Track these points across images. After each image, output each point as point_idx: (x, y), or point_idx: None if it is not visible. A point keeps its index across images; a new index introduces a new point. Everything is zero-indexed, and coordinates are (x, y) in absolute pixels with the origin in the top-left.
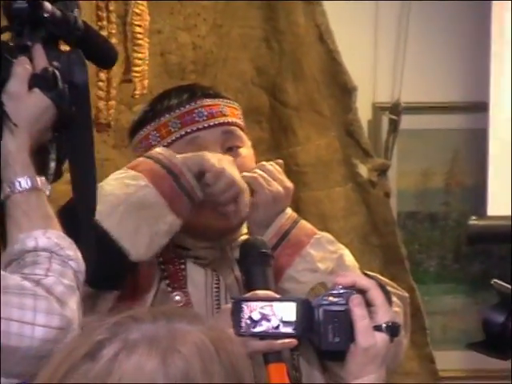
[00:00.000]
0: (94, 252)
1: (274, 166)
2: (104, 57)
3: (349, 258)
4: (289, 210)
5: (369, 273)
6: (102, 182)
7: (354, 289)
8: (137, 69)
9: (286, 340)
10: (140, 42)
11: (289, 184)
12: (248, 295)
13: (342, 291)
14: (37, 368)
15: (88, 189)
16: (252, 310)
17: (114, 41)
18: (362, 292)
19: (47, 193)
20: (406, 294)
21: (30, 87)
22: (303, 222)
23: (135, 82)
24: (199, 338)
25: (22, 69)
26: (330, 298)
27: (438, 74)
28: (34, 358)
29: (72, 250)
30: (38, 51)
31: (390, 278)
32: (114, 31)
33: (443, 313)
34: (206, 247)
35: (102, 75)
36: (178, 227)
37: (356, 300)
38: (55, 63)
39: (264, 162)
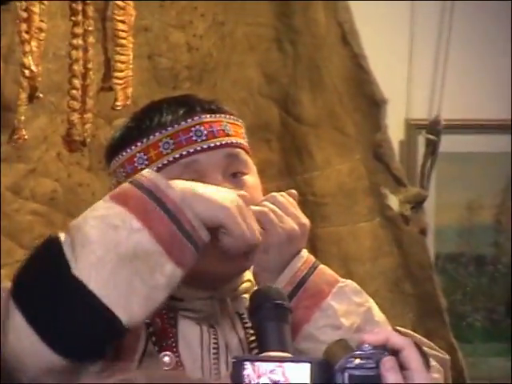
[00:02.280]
0: (75, 319)
1: (287, 198)
2: None
3: (378, 312)
4: (305, 253)
5: (401, 329)
6: (79, 218)
7: (385, 349)
8: (119, 74)
9: None
10: (123, 41)
11: (305, 220)
12: (253, 355)
13: (370, 351)
14: None
15: None
16: (259, 374)
17: (91, 40)
18: (395, 353)
19: None
20: (448, 357)
21: None
22: (323, 268)
23: (117, 90)
24: None
25: None
26: (357, 361)
27: (485, 87)
28: None
29: None
30: None
31: (426, 334)
32: (90, 28)
33: (492, 379)
34: (202, 298)
35: (76, 82)
36: (178, 279)
37: (389, 363)
38: None
39: (274, 193)
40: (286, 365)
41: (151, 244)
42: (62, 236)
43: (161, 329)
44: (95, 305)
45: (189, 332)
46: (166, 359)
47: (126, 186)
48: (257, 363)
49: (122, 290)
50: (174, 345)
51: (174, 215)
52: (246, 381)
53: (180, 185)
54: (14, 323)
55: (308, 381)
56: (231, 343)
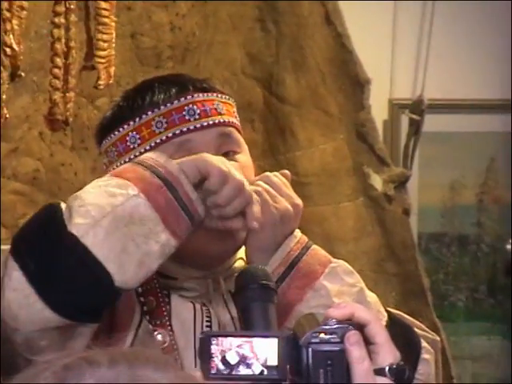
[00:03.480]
0: (69, 274)
1: (281, 178)
2: None
3: (370, 292)
4: (298, 233)
5: (391, 310)
6: (79, 191)
7: (351, 323)
8: (101, 53)
9: None
10: (105, 20)
11: (298, 201)
12: (220, 331)
13: (335, 326)
14: None
15: None
16: (226, 349)
17: (73, 18)
18: (361, 327)
19: None
20: (438, 338)
21: None
22: (316, 248)
23: (99, 69)
24: None
25: None
26: (322, 335)
27: (469, 66)
28: None
29: None
30: None
31: (409, 313)
32: (73, 6)
33: (474, 358)
34: (195, 277)
35: (58, 60)
36: (172, 249)
37: (353, 337)
38: None
39: (268, 173)
40: (254, 340)
41: (148, 210)
42: (62, 203)
43: (155, 307)
44: (88, 259)
45: (182, 310)
46: (159, 337)
47: (125, 164)
48: (226, 338)
49: (117, 251)
50: (167, 323)
51: (172, 186)
52: (214, 356)
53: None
54: (12, 279)
55: (276, 356)
56: (224, 321)
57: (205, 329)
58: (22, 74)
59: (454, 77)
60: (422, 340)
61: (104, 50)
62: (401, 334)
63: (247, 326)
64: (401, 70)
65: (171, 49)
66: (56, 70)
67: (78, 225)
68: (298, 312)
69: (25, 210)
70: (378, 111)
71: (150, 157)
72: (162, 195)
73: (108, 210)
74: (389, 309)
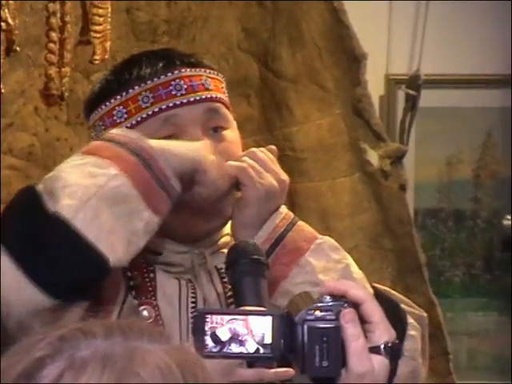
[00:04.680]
0: (60, 256)
1: (267, 154)
2: None
3: (356, 269)
4: (284, 209)
5: (378, 286)
6: (53, 171)
7: (346, 301)
8: (97, 28)
9: (281, 369)
10: None
11: (284, 177)
12: (215, 308)
13: (331, 303)
14: None
15: None
16: (218, 325)
17: None
18: (356, 305)
19: None
20: (425, 314)
21: None
22: (301, 224)
23: (95, 44)
24: (162, 360)
25: None
26: (317, 313)
27: (466, 41)
28: None
29: None
30: None
31: (405, 289)
32: None
33: (470, 334)
34: (180, 252)
35: (54, 35)
36: (155, 226)
37: (348, 315)
38: None
39: (254, 149)
40: (249, 318)
41: (130, 189)
42: (38, 186)
43: (141, 283)
44: (80, 241)
45: (167, 285)
46: (145, 313)
47: (96, 142)
48: (219, 316)
49: (105, 231)
50: (153, 298)
51: (148, 164)
52: (208, 333)
53: (149, 139)
54: (0, 265)
55: (270, 333)
56: (209, 297)
57: (190, 304)
58: (17, 48)
59: (450, 52)
60: (408, 316)
61: (99, 24)
62: (387, 310)
63: (238, 301)
64: (397, 44)
65: (167, 23)
66: (51, 45)
67: (66, 206)
68: (283, 288)
69: (20, 185)
70: (375, 86)
71: (121, 134)
72: (140, 173)
73: (93, 191)
74: (376, 285)
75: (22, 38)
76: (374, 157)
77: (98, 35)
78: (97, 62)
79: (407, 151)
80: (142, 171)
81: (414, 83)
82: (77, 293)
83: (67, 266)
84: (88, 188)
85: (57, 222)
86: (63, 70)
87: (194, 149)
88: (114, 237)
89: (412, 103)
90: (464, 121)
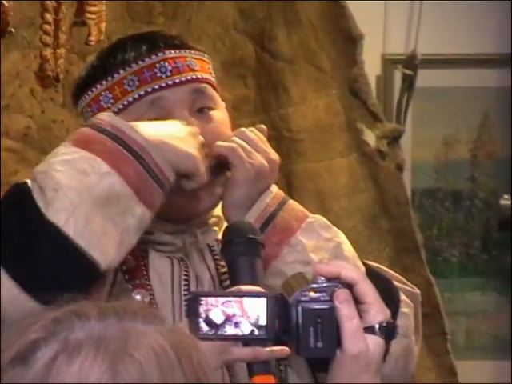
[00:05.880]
0: (52, 264)
1: (256, 134)
2: None
3: (348, 247)
4: (274, 188)
5: (371, 263)
6: (43, 164)
7: (340, 282)
8: (92, 9)
9: (277, 348)
10: None
11: (274, 156)
12: (209, 291)
13: (325, 284)
14: None
15: None
16: (212, 307)
17: None
18: (350, 285)
19: None
20: (418, 291)
21: None
22: (292, 203)
23: (90, 25)
24: (157, 342)
25: None
26: (311, 294)
27: (462, 21)
28: None
29: None
30: None
31: (403, 269)
32: None
33: (468, 314)
34: (172, 231)
35: (49, 16)
36: (148, 221)
37: (342, 296)
38: None
39: (243, 129)
40: (244, 300)
41: (122, 187)
42: (29, 182)
43: (134, 266)
44: (71, 248)
45: (160, 265)
46: (138, 297)
47: (85, 130)
48: (213, 298)
49: (97, 235)
50: (146, 281)
51: (140, 157)
52: (202, 316)
53: (141, 126)
54: None
55: (264, 315)
56: (202, 275)
57: (183, 282)
58: (12, 30)
59: (447, 31)
60: (400, 293)
61: (95, 5)
62: (379, 287)
63: (234, 280)
64: (394, 24)
65: (162, 4)
66: (46, 26)
67: (57, 213)
68: (275, 268)
69: (16, 167)
70: (371, 66)
71: (111, 123)
72: (132, 168)
73: (84, 194)
74: (368, 262)
75: (16, 20)
76: (370, 137)
77: (94, 16)
78: (92, 43)
79: (404, 131)
80: (134, 165)
81: (411, 63)
82: None
83: (59, 275)
84: (79, 191)
85: (48, 229)
86: (58, 51)
87: (189, 142)
88: (106, 239)
89: (409, 83)
90: (461, 101)
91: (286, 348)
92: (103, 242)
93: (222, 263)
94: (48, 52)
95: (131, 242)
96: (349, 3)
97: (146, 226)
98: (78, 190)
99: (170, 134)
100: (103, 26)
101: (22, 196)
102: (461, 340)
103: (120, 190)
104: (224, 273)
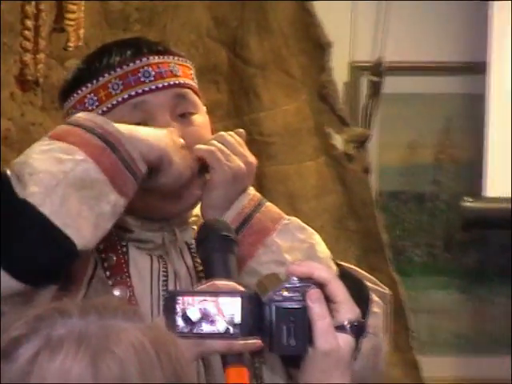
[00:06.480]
0: (29, 242)
1: (235, 138)
2: None
3: (321, 248)
4: (251, 190)
5: (344, 264)
6: (21, 156)
7: (313, 282)
8: (71, 16)
9: (249, 341)
10: None
11: (252, 159)
12: (185, 289)
13: (298, 284)
14: None
15: None
16: (188, 305)
17: None
18: (322, 285)
19: None
20: (388, 291)
21: None
22: (268, 205)
23: (69, 31)
24: (137, 338)
25: None
26: (284, 293)
27: (427, 30)
28: None
29: None
30: None
31: (369, 268)
32: None
33: (431, 311)
34: (152, 229)
35: (29, 23)
36: (121, 208)
37: (314, 295)
38: None
39: (222, 133)
40: (219, 299)
41: (97, 173)
42: (8, 171)
43: (115, 263)
44: (48, 227)
45: (139, 260)
46: (118, 294)
47: (62, 126)
48: (190, 297)
49: (73, 215)
50: (127, 278)
51: (115, 147)
52: (179, 314)
53: (114, 123)
54: None
55: (239, 313)
56: (180, 271)
57: (161, 278)
58: None
59: (412, 39)
60: (371, 294)
61: (73, 12)
62: (351, 287)
63: (208, 276)
64: (361, 33)
65: (138, 11)
66: (26, 32)
67: (33, 194)
68: (250, 268)
69: None
70: (339, 73)
71: (87, 118)
72: (107, 157)
73: (60, 177)
74: (340, 262)
75: None
76: (338, 141)
77: (72, 23)
78: (71, 48)
79: (370, 136)
80: (109, 154)
81: (377, 70)
82: (46, 277)
83: (36, 253)
84: (55, 174)
85: (25, 209)
86: (38, 56)
87: (161, 137)
88: (82, 221)
89: (375, 89)
90: (425, 106)
91: (259, 341)
92: (79, 223)
93: (199, 260)
94: (28, 57)
95: (106, 227)
96: (318, 12)
97: (119, 212)
98: (53, 174)
99: (144, 130)
100: (81, 32)
101: (0, 184)
102: (424, 336)
103: (95, 176)
104: (201, 270)
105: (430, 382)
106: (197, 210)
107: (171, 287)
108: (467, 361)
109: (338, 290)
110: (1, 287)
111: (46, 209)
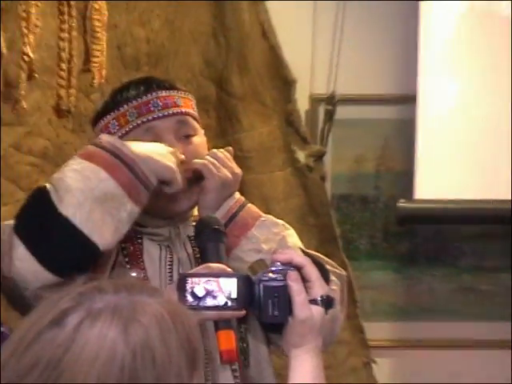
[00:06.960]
0: (63, 245)
1: (224, 153)
2: None
3: (291, 239)
4: (237, 195)
5: (309, 251)
6: (58, 172)
7: (292, 266)
8: (95, 60)
9: (235, 311)
10: (98, 35)
11: (237, 170)
12: (195, 270)
13: (280, 268)
14: None
15: None
16: (195, 284)
17: (74, 34)
18: (299, 268)
19: None
20: (344, 273)
21: None
22: (250, 206)
23: (94, 71)
24: (158, 311)
25: None
26: (270, 275)
27: (370, 68)
28: None
29: None
30: None
31: (325, 255)
32: (74, 25)
33: (373, 287)
34: (161, 225)
35: (63, 65)
36: (136, 214)
37: (293, 276)
38: None
39: (215, 150)
40: (220, 279)
41: (116, 189)
42: (47, 185)
43: (132, 251)
44: (77, 234)
45: (151, 250)
46: (134, 274)
47: (90, 147)
48: (197, 278)
49: (98, 224)
50: (141, 262)
51: (131, 167)
52: (189, 291)
53: (133, 145)
54: (18, 252)
55: (235, 290)
56: (182, 258)
57: (168, 263)
58: (36, 75)
59: (359, 76)
60: (331, 274)
61: (97, 57)
62: None
63: (204, 260)
64: (318, 71)
65: (147, 56)
66: (61, 73)
67: (67, 207)
68: (235, 255)
69: (37, 177)
70: (302, 103)
71: (109, 141)
72: (125, 175)
73: (88, 194)
74: (307, 250)
75: (39, 68)
76: (301, 156)
77: (96, 65)
78: (95, 85)
79: (326, 152)
80: (127, 173)
81: (331, 101)
82: (76, 271)
83: (68, 252)
84: (84, 191)
85: (60, 219)
86: (70, 91)
87: (169, 157)
88: (105, 227)
89: (329, 116)
90: (368, 129)
91: (243, 311)
92: (102, 230)
93: (197, 249)
94: (62, 92)
95: (124, 230)
96: (285, 54)
97: (134, 218)
98: (82, 191)
99: (155, 151)
100: (103, 72)
101: (42, 195)
102: (368, 307)
103: (115, 191)
104: (199, 257)
105: (372, 342)
106: (196, 211)
107: (175, 270)
108: (401, 325)
109: (312, 272)
110: (41, 279)
111: (77, 220)
